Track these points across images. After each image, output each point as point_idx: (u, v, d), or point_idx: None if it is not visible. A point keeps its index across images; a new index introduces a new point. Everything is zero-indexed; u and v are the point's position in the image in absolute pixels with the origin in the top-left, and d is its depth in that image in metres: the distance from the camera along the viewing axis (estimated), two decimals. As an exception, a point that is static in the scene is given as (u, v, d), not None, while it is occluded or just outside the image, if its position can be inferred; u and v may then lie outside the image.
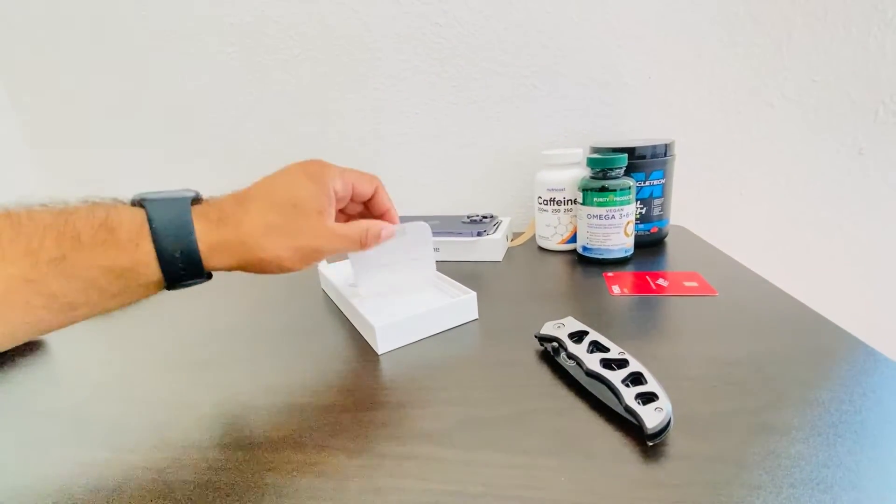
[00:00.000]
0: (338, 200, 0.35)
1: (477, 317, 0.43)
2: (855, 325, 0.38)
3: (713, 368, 0.32)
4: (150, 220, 0.27)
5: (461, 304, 0.42)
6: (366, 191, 0.37)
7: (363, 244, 0.36)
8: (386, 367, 0.36)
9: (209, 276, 0.31)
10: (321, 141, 0.76)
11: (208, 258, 0.29)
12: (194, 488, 0.25)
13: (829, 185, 0.67)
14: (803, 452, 0.24)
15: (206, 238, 0.29)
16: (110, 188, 0.84)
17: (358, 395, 0.33)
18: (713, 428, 0.26)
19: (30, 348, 0.45)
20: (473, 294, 0.43)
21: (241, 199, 0.32)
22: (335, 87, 0.74)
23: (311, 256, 0.33)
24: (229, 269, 0.31)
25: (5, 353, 0.44)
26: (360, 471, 0.26)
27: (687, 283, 0.47)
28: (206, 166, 0.81)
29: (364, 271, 0.43)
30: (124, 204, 0.29)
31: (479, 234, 0.59)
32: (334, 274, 0.51)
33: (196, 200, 0.31)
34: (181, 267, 0.28)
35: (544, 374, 0.34)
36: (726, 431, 0.26)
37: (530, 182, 0.73)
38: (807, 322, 0.38)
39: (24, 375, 0.40)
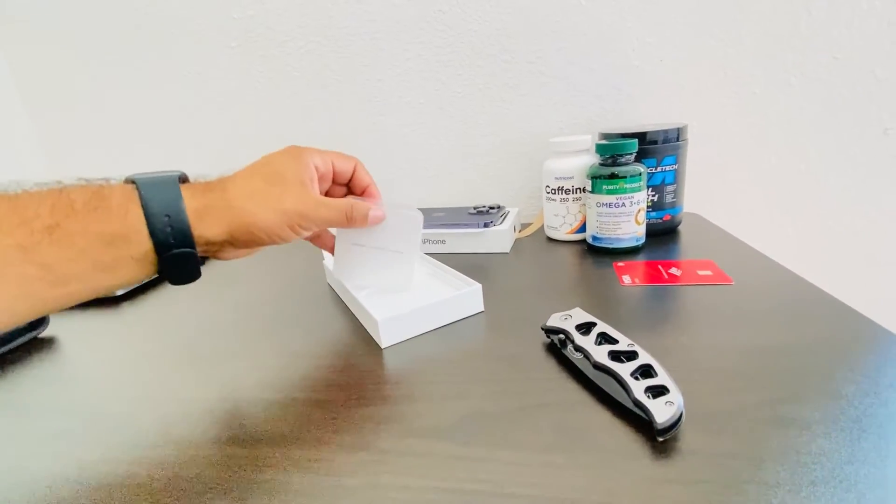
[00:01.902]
0: (319, 178, 0.36)
1: (483, 309, 0.42)
2: (881, 313, 0.37)
3: (728, 360, 0.31)
4: (138, 189, 0.28)
5: (466, 297, 0.41)
6: (346, 169, 0.38)
7: (349, 218, 0.36)
8: (389, 361, 0.36)
9: (203, 261, 0.31)
10: (326, 133, 0.76)
11: (197, 224, 0.30)
12: (193, 484, 0.25)
13: (853, 168, 0.64)
14: (825, 448, 0.23)
15: (193, 203, 0.29)
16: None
17: (360, 390, 0.32)
18: (728, 422, 0.25)
19: (40, 346, 0.45)
20: (478, 286, 0.42)
21: (225, 177, 0.33)
22: (339, 79, 0.73)
23: (298, 223, 0.33)
24: (220, 242, 0.31)
25: (16, 350, 0.44)
26: (359, 467, 0.25)
27: (701, 272, 0.45)
28: (211, 161, 0.81)
29: (344, 252, 0.43)
30: (116, 181, 0.30)
31: (485, 225, 0.58)
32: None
33: (183, 179, 0.31)
34: (170, 233, 0.28)
35: (551, 367, 0.33)
36: (742, 426, 0.25)
37: (539, 171, 0.71)
38: (828, 310, 0.36)
39: (34, 372, 0.40)
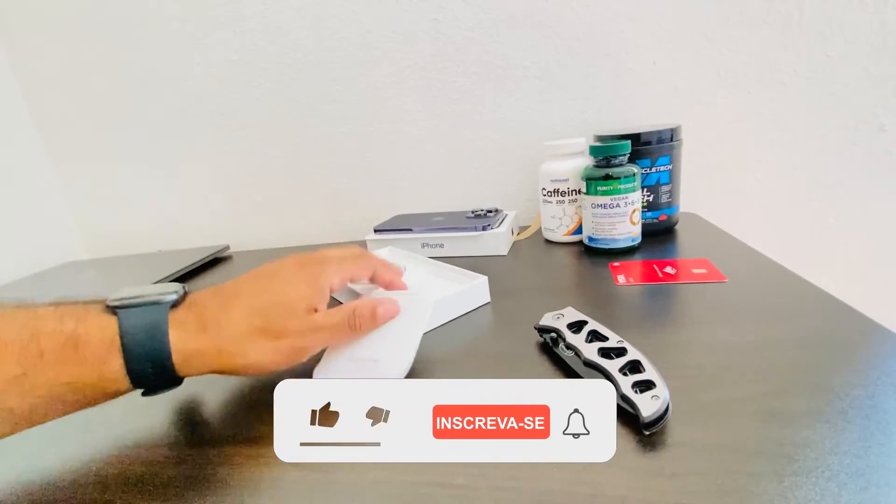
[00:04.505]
0: (331, 293, 0.34)
1: (476, 306, 0.43)
2: (876, 309, 0.37)
3: (718, 356, 0.31)
4: (121, 335, 0.26)
5: (470, 291, 0.42)
6: (363, 278, 0.37)
7: (353, 328, 0.32)
8: (385, 362, 0.36)
9: (181, 380, 0.30)
10: (324, 144, 0.77)
11: (182, 367, 0.28)
12: (184, 481, 0.26)
13: (849, 165, 0.64)
14: (809, 439, 0.23)
15: (183, 347, 0.28)
16: (126, 200, 0.85)
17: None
18: (715, 416, 0.26)
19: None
20: (477, 282, 0.42)
21: (226, 298, 0.31)
22: (336, 89, 0.74)
23: (296, 356, 0.31)
24: (202, 373, 0.30)
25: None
26: (349, 463, 0.26)
27: (695, 271, 0.45)
28: (211, 172, 0.83)
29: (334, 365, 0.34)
30: (97, 309, 0.27)
31: (483, 228, 0.59)
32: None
33: (176, 303, 0.29)
34: (152, 378, 0.27)
35: (543, 365, 0.33)
36: (728, 419, 0.25)
37: (536, 174, 0.72)
38: (821, 305, 0.36)
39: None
